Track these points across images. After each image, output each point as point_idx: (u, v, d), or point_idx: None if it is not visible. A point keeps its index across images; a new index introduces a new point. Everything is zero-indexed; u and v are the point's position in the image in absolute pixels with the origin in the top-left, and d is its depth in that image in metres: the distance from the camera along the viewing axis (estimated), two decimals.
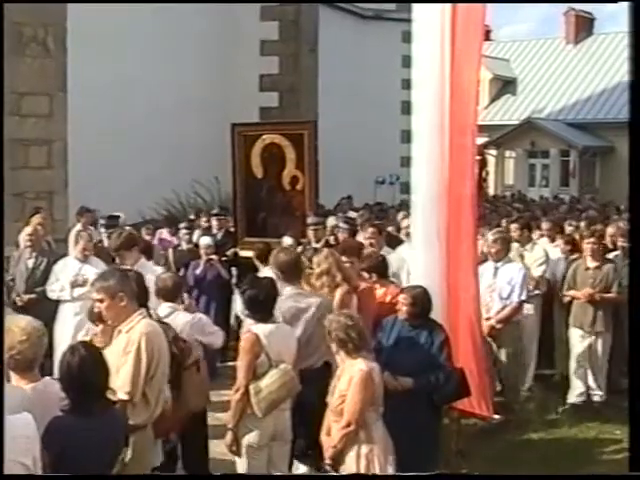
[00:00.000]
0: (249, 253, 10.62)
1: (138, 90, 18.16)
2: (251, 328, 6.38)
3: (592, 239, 9.64)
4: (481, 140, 31.00)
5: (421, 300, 6.85)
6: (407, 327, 6.90)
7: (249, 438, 6.16)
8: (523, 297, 9.03)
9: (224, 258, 11.60)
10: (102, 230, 11.94)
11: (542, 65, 43.10)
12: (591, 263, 9.51)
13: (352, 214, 16.21)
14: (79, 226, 14.07)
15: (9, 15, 14.83)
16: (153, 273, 7.94)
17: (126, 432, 5.13)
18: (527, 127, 38.33)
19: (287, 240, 10.52)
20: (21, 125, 15.01)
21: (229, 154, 12.20)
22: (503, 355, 8.96)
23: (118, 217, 13.43)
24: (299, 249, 9.95)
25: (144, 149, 18.05)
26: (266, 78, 20.82)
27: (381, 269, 8.34)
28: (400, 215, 14.00)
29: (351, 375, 5.83)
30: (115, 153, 17.76)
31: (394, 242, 10.78)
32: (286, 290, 7.04)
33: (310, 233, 10.72)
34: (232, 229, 12.79)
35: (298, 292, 7.12)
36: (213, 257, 11.33)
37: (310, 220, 10.88)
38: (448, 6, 7.04)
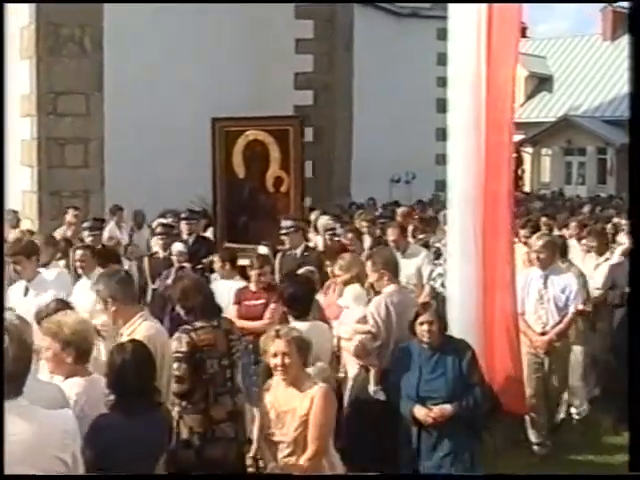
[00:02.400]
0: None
1: (173, 89, 18.23)
2: (293, 326, 6.37)
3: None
4: (517, 138, 30.81)
5: (440, 317, 6.49)
6: (427, 351, 6.41)
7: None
8: (580, 306, 8.46)
9: (199, 266, 10.34)
10: (86, 233, 11.00)
11: (579, 62, 42.78)
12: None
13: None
14: (112, 224, 14.17)
15: (46, 16, 14.98)
16: (45, 291, 7.56)
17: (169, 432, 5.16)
18: (563, 124, 38.06)
19: (262, 249, 9.96)
20: (58, 124, 15.16)
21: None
22: (557, 372, 8.28)
23: (103, 220, 12.72)
24: (278, 257, 9.67)
25: (179, 148, 18.10)
26: (301, 76, 20.80)
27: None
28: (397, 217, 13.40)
29: (312, 395, 5.30)
30: (150, 152, 17.83)
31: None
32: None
33: (284, 239, 9.97)
34: (204, 234, 12.15)
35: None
36: (185, 265, 10.20)
37: (283, 224, 10.05)
38: (484, 4, 6.99)
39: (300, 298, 6.70)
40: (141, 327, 5.87)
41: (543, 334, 8.13)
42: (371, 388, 6.92)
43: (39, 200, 15.23)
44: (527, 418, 8.18)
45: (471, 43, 7.00)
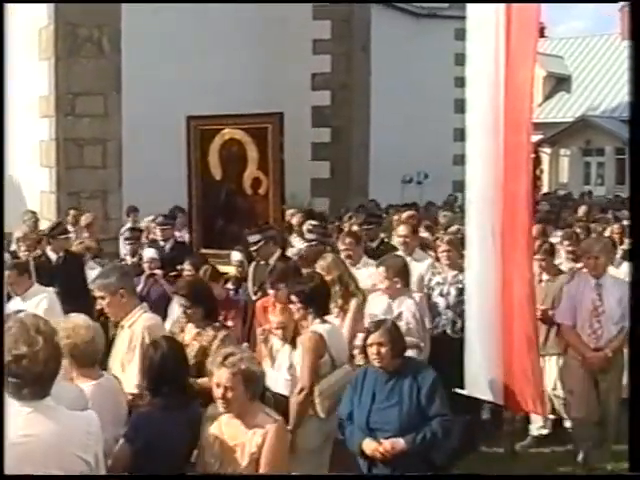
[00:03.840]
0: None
1: (191, 90, 18.26)
2: (314, 328, 6.34)
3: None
4: (535, 138, 30.72)
5: (395, 337, 5.79)
6: (383, 376, 5.75)
7: (308, 441, 6.06)
8: None
9: (173, 273, 9.70)
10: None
11: (597, 62, 42.61)
12: (544, 275, 8.74)
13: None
14: (129, 224, 14.20)
15: (65, 17, 15.03)
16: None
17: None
18: (582, 125, 37.93)
19: (236, 255, 9.45)
20: (76, 125, 15.21)
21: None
22: (612, 391, 7.66)
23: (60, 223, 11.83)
24: (252, 266, 9.15)
25: None
26: (318, 77, 20.84)
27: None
28: (395, 218, 13.27)
29: (264, 431, 4.82)
30: (168, 153, 17.84)
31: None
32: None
33: (254, 254, 9.33)
34: (181, 239, 11.74)
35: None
36: (157, 272, 9.68)
37: (250, 239, 9.34)
38: (502, 4, 6.97)
39: (322, 296, 6.56)
40: (141, 318, 6.05)
41: (597, 350, 7.58)
42: None
43: (57, 201, 15.28)
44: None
45: (489, 43, 6.98)
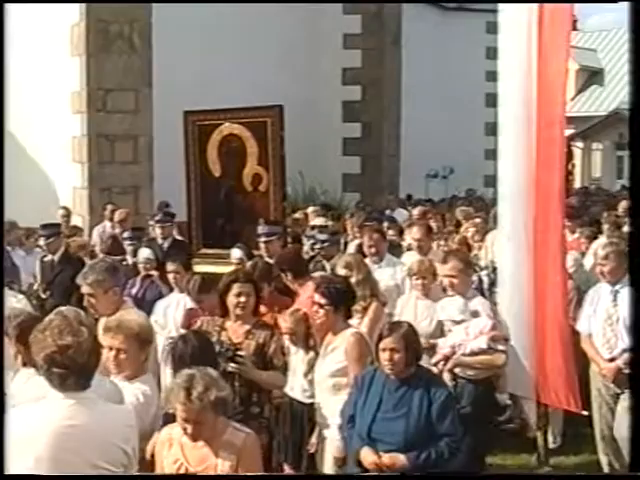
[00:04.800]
0: (207, 268, 9.14)
1: (221, 86, 18.28)
2: (357, 328, 6.30)
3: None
4: (568, 132, 30.51)
5: (411, 343, 5.36)
6: (393, 383, 5.35)
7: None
8: None
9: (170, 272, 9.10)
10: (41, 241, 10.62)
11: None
12: None
13: (402, 212, 15.84)
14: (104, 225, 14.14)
15: (95, 13, 15.11)
16: None
17: None
18: (615, 118, 37.58)
19: (236, 253, 8.99)
20: (107, 121, 15.30)
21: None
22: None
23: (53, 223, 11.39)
24: (249, 264, 8.46)
25: None
26: (349, 72, 20.78)
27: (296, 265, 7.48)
28: (407, 220, 12.91)
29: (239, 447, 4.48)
30: None
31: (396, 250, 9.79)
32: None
33: (261, 246, 8.95)
34: (180, 238, 11.39)
35: None
36: (153, 273, 9.30)
37: (261, 230, 9.03)
38: None
39: (348, 297, 6.29)
40: (130, 313, 5.95)
41: (612, 360, 7.06)
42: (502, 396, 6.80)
43: (89, 196, 15.36)
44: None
45: (522, 36, 6.94)
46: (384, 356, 5.30)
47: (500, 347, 6.72)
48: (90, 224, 14.68)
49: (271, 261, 8.37)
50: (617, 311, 7.05)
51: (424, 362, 7.01)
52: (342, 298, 6.15)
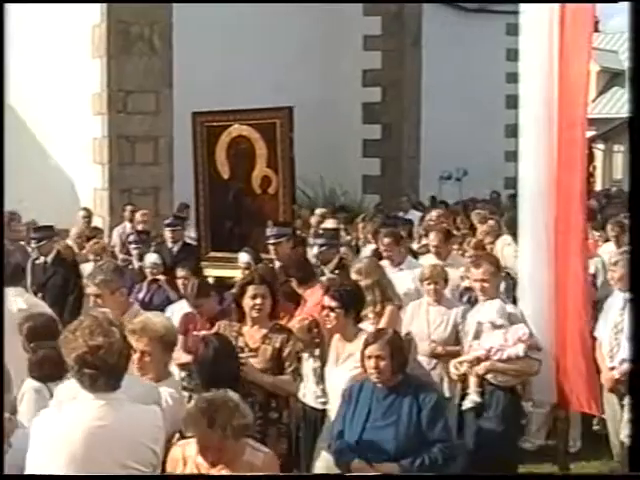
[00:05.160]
0: (216, 272, 9.15)
1: (242, 87, 18.31)
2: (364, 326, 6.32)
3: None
4: (589, 134, 30.39)
5: (396, 350, 5.30)
6: (381, 391, 5.27)
7: None
8: None
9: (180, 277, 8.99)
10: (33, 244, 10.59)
11: None
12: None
13: (415, 213, 15.76)
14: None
15: (116, 14, 15.16)
16: None
17: None
18: None
19: (243, 257, 8.88)
20: (128, 122, 15.35)
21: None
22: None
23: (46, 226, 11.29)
24: (260, 266, 8.38)
25: None
26: (369, 73, 20.76)
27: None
28: (422, 223, 12.74)
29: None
30: None
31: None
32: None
33: (270, 248, 8.83)
34: (191, 241, 11.23)
35: None
36: (160, 277, 9.19)
37: (269, 232, 8.91)
38: None
39: (359, 301, 6.24)
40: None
41: (612, 369, 7.05)
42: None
43: (110, 197, 15.42)
44: None
45: (543, 38, 6.90)
46: (370, 364, 5.24)
47: (535, 355, 6.60)
48: (110, 225, 14.74)
49: (277, 265, 8.32)
50: (624, 320, 6.93)
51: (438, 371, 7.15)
52: (352, 301, 6.13)
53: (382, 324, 6.83)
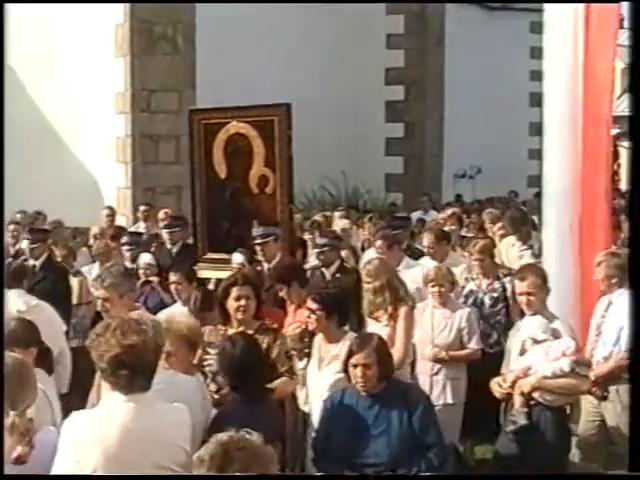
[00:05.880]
0: (213, 273, 8.82)
1: (265, 86, 18.31)
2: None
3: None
4: (614, 131, 30.18)
5: (383, 357, 5.09)
6: (365, 400, 5.02)
7: None
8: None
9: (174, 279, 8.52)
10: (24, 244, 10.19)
11: None
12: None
13: (433, 214, 15.57)
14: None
15: (139, 14, 15.20)
16: None
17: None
18: None
19: (237, 257, 8.57)
20: (151, 121, 15.38)
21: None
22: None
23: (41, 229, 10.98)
24: (237, 269, 8.02)
25: None
26: (392, 72, 20.72)
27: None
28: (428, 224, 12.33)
29: None
30: None
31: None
32: None
33: (257, 249, 8.53)
34: (191, 242, 10.54)
35: None
36: (153, 279, 8.86)
37: (255, 232, 8.59)
38: None
39: (342, 302, 6.05)
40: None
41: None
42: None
43: (133, 196, 15.46)
44: None
45: (568, 35, 6.88)
46: (356, 372, 5.00)
47: (583, 372, 6.11)
48: (134, 224, 14.78)
49: (265, 267, 8.17)
50: (604, 322, 6.54)
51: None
52: (334, 304, 5.97)
53: (401, 326, 6.68)
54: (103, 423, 3.72)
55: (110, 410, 3.75)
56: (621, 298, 6.29)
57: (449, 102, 21.39)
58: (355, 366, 5.01)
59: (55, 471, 3.72)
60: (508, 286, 7.96)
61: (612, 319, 6.37)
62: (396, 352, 6.35)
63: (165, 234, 11.05)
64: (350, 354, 5.10)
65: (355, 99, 19.39)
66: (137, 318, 3.90)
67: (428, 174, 20.94)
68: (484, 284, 8.16)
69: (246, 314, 6.01)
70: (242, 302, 6.00)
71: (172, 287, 8.00)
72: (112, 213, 14.19)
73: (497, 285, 8.00)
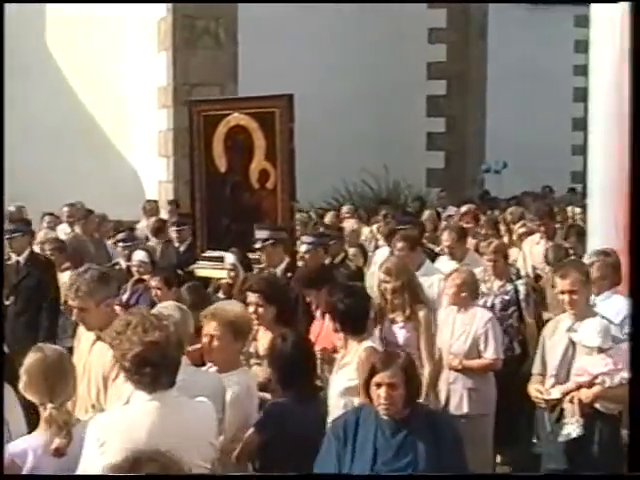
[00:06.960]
0: (211, 272, 8.64)
1: (307, 81, 18.29)
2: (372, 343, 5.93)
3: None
4: None
5: (411, 377, 4.39)
6: (387, 426, 4.29)
7: None
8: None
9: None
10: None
11: None
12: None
13: (452, 210, 15.29)
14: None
15: (182, 8, 15.26)
16: None
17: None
18: None
19: (229, 258, 8.14)
20: None
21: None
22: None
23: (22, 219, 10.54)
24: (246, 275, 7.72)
25: (313, 138, 18.15)
26: (434, 66, 20.61)
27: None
28: (443, 224, 11.76)
29: None
30: None
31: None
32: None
33: (260, 254, 8.16)
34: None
35: None
36: (146, 277, 8.32)
37: (258, 235, 8.15)
38: None
39: (357, 312, 5.63)
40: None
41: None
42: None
43: (175, 190, 15.52)
44: None
45: (615, 29, 6.79)
46: (379, 393, 4.26)
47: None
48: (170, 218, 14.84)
49: (273, 271, 7.88)
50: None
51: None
52: (348, 315, 5.59)
53: (422, 330, 6.47)
54: (130, 424, 3.64)
55: (135, 411, 3.69)
56: (606, 302, 6.25)
57: (491, 97, 21.24)
58: (379, 385, 4.28)
59: (82, 472, 3.65)
60: (521, 288, 7.75)
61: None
62: (426, 367, 6.38)
63: (173, 232, 10.89)
64: (372, 372, 4.38)
65: (397, 93, 19.30)
66: (157, 314, 3.85)
67: (469, 169, 20.82)
68: (495, 286, 7.82)
69: (261, 320, 5.99)
70: (251, 309, 5.96)
71: (152, 292, 7.63)
72: (154, 206, 14.25)
73: (509, 287, 7.70)
